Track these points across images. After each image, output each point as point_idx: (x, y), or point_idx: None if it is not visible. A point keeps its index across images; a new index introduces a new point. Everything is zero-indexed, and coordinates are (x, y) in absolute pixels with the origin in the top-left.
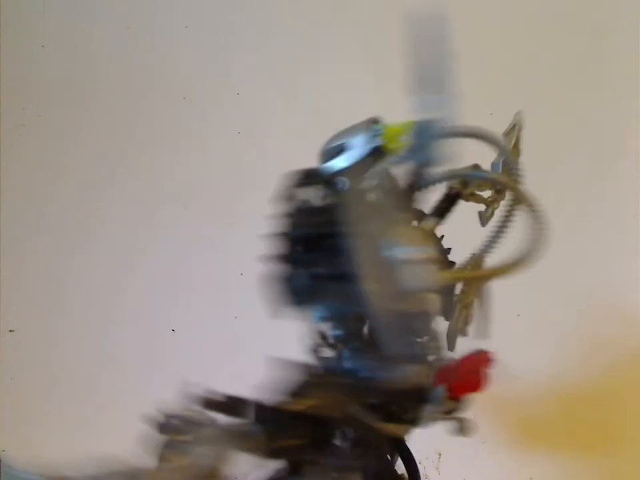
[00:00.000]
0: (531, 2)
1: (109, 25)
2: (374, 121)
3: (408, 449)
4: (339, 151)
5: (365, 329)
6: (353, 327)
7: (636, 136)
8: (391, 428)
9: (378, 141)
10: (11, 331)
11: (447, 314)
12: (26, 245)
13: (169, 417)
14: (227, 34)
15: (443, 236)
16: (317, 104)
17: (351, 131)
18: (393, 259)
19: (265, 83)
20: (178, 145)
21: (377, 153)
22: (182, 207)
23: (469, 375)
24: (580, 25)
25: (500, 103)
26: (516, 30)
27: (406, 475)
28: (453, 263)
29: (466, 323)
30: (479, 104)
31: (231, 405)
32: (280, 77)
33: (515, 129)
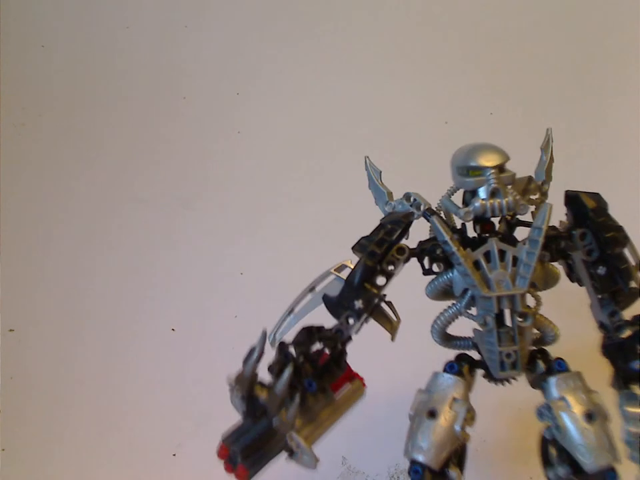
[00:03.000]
0: (531, 3)
1: (108, 25)
2: None
3: None
4: None
5: None
6: None
7: (636, 136)
8: None
9: None
10: (11, 330)
11: None
12: (26, 244)
13: None
14: (227, 34)
15: None
16: (317, 104)
17: None
18: None
19: (265, 83)
20: (178, 145)
21: None
22: (182, 207)
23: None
24: (580, 25)
25: (500, 102)
26: (516, 31)
27: None
28: None
29: None
30: (479, 104)
31: None
32: (280, 76)
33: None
